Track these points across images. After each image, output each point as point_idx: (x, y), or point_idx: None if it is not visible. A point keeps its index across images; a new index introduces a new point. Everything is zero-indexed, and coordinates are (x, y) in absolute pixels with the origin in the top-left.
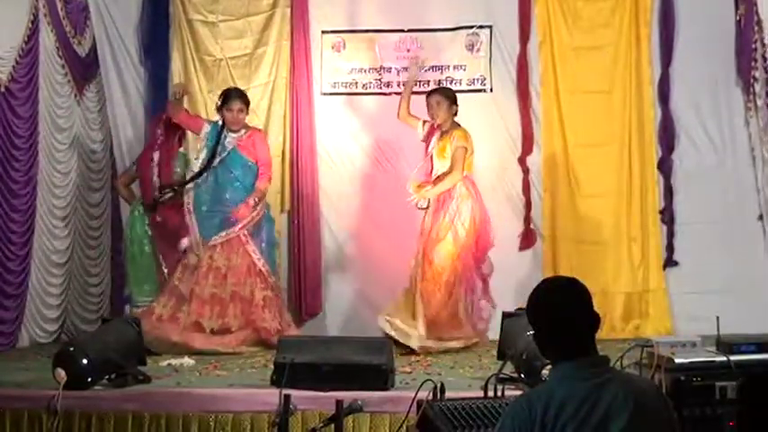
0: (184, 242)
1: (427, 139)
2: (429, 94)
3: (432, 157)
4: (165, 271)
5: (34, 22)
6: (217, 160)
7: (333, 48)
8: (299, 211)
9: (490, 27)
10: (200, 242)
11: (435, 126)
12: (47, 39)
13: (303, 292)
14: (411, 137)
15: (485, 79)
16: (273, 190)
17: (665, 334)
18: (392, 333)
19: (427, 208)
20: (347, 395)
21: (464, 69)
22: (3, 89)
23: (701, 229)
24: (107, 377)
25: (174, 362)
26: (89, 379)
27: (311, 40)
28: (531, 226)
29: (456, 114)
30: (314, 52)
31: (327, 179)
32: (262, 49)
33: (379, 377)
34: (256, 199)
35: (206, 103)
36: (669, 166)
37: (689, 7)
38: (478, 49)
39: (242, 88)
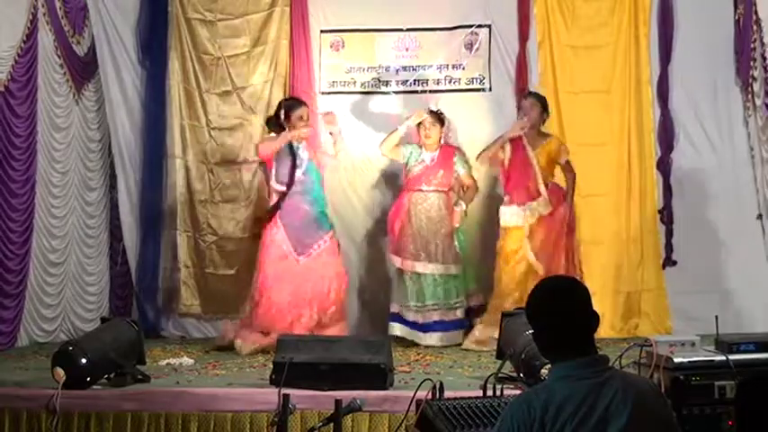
0: None
1: (515, 154)
2: (524, 96)
3: (533, 166)
4: None
5: (33, 21)
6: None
7: (332, 47)
8: None
9: (489, 26)
10: None
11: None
12: (45, 38)
13: None
14: (409, 136)
15: (484, 78)
16: None
17: (664, 333)
18: None
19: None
20: (346, 394)
21: (463, 68)
22: (2, 88)
23: (700, 228)
24: (106, 376)
25: (173, 361)
26: (88, 378)
27: (310, 39)
28: None
29: (544, 123)
30: (313, 51)
31: (326, 178)
32: (260, 48)
33: (378, 376)
34: None
35: (204, 103)
36: (668, 165)
37: (688, 7)
38: (477, 49)
39: (240, 87)
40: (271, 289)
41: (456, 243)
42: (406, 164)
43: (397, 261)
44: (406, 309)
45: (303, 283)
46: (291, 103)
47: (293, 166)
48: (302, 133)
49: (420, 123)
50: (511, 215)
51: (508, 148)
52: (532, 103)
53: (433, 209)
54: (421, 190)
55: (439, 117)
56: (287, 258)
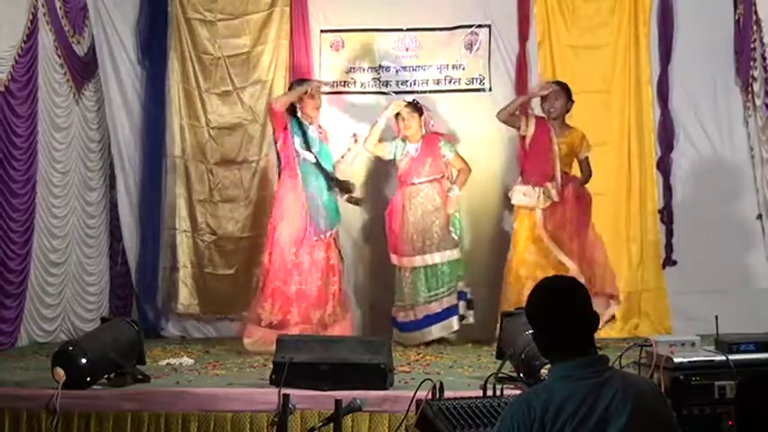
0: None
1: (539, 134)
2: (544, 84)
3: (554, 151)
4: None
5: (33, 21)
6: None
7: (331, 47)
8: None
9: (489, 26)
10: None
11: (549, 119)
12: (45, 38)
13: None
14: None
15: (483, 79)
16: (273, 190)
17: (664, 333)
18: None
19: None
20: (346, 394)
21: (463, 69)
22: (2, 88)
23: (700, 228)
24: (106, 376)
25: (173, 361)
26: (88, 378)
27: (310, 39)
28: None
29: (569, 111)
30: (313, 51)
31: None
32: (260, 48)
33: (378, 376)
34: None
35: (203, 103)
36: (668, 165)
37: (688, 7)
38: (477, 49)
39: (240, 87)
40: (280, 280)
41: (452, 228)
42: (394, 160)
43: (394, 259)
44: (403, 309)
45: (306, 274)
46: (301, 83)
47: (307, 146)
48: (321, 81)
49: (398, 115)
50: (522, 194)
51: (532, 126)
52: (558, 93)
53: (428, 200)
54: (413, 183)
55: (416, 106)
56: (296, 237)
